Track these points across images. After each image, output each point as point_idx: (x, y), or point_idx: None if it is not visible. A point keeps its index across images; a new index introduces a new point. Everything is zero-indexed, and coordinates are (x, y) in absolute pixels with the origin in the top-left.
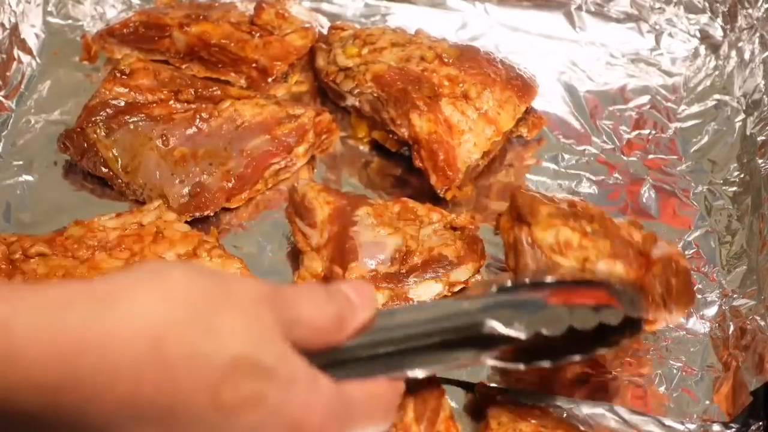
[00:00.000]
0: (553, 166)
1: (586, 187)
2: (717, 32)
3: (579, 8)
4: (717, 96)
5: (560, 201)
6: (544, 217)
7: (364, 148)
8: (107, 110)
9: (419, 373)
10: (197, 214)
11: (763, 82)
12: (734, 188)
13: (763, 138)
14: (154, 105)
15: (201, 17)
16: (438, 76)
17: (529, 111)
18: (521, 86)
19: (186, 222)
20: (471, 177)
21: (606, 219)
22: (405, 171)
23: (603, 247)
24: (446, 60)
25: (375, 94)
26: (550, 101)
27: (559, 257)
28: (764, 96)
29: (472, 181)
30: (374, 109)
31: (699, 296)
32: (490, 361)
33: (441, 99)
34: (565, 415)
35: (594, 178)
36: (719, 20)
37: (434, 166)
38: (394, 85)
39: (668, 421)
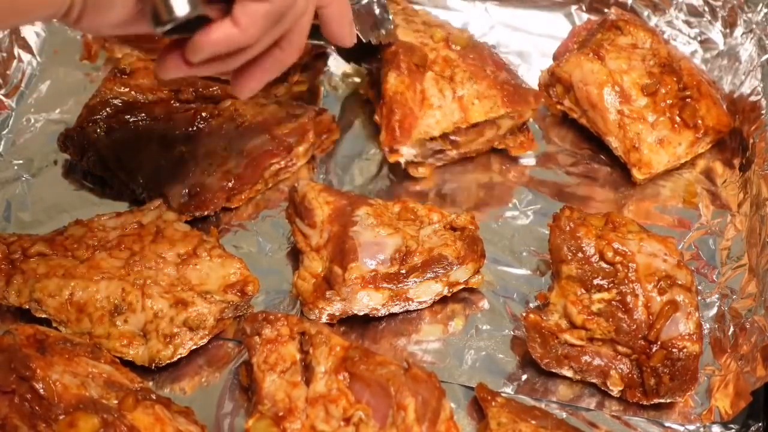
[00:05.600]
0: (553, 166)
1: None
2: (716, 35)
3: (580, 8)
4: None
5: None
6: None
7: (369, 149)
8: (107, 109)
9: None
10: (197, 214)
11: (761, 85)
12: (734, 189)
13: (763, 140)
14: (155, 104)
15: None
16: (437, 54)
17: (522, 128)
18: (511, 93)
19: (186, 222)
20: (433, 160)
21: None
22: (405, 171)
23: None
24: (452, 46)
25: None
26: None
27: None
28: (763, 98)
29: (432, 166)
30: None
31: (699, 298)
32: None
33: (428, 71)
34: (564, 415)
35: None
36: (719, 24)
37: (387, 124)
38: (389, 47)
39: (668, 422)
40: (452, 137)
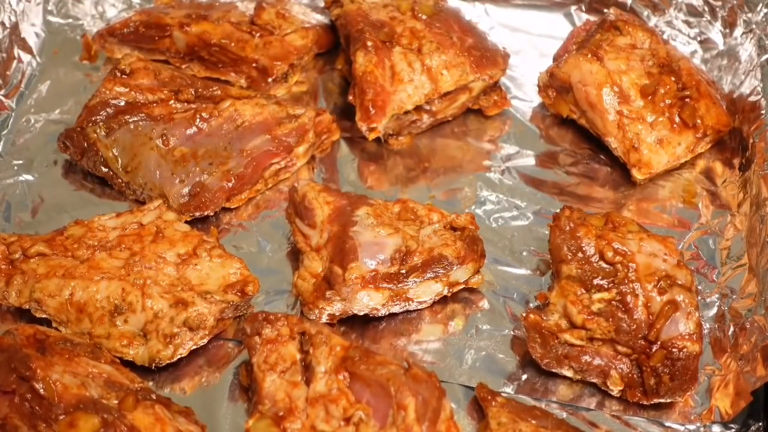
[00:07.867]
0: (553, 165)
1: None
2: (716, 35)
3: (579, 9)
4: None
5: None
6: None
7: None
8: (107, 110)
9: None
10: (197, 214)
11: (761, 85)
12: (734, 189)
13: (763, 140)
14: (155, 105)
15: (201, 17)
16: (404, 26)
17: (494, 88)
18: (479, 57)
19: (186, 222)
20: (410, 129)
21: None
22: (405, 171)
23: None
24: (418, 15)
25: (345, 31)
26: None
27: None
28: (762, 98)
29: (411, 135)
30: (346, 44)
31: (699, 298)
32: None
33: (395, 47)
34: (565, 415)
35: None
36: (719, 24)
37: (361, 104)
38: (356, 25)
39: (668, 422)
40: (426, 107)
